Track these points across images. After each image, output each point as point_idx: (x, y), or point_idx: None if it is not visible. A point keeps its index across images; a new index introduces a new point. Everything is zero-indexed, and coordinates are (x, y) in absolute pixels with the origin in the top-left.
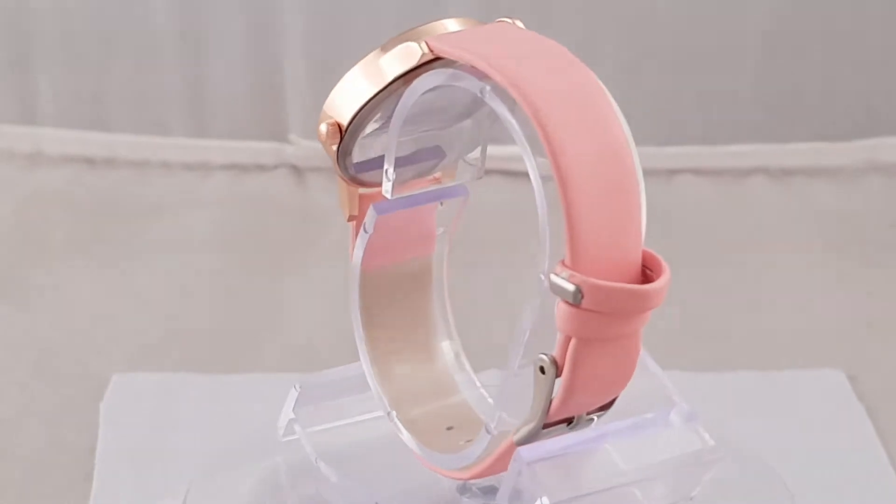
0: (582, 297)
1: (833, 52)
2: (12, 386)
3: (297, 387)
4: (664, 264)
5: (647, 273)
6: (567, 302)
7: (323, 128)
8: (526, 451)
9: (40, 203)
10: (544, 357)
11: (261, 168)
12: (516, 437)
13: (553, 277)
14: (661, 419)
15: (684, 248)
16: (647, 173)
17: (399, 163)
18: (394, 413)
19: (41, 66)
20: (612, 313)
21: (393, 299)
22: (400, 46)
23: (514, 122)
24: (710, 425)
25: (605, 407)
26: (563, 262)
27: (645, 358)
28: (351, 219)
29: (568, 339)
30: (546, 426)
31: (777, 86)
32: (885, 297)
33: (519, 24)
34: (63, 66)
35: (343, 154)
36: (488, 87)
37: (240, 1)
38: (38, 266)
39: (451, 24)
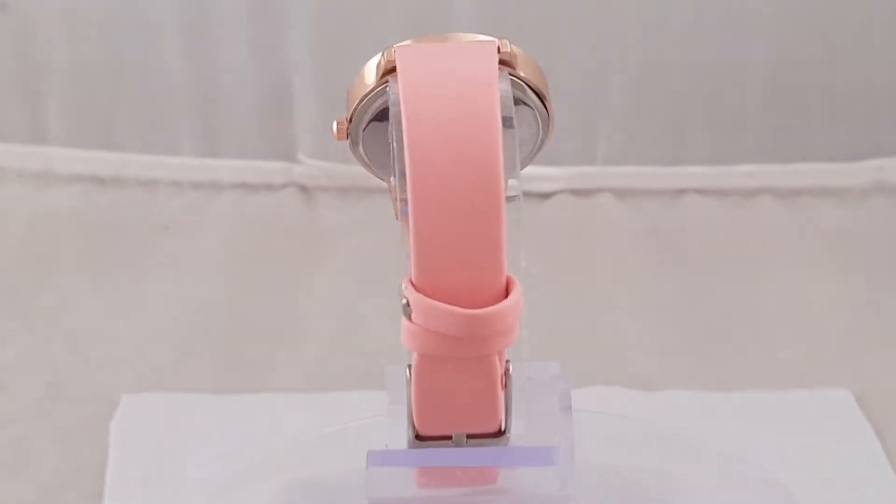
0: (411, 311)
1: (839, 72)
2: (23, 406)
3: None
4: (513, 293)
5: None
6: (405, 315)
7: (334, 126)
8: (372, 455)
9: (50, 222)
10: (407, 368)
11: (269, 187)
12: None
13: (400, 290)
14: (529, 456)
15: (690, 267)
16: (654, 193)
17: None
18: None
19: (51, 86)
20: (443, 333)
21: None
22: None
23: (394, 136)
24: (719, 444)
25: (497, 434)
26: (409, 278)
27: (549, 390)
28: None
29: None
30: (423, 438)
31: (783, 106)
32: (892, 317)
33: (506, 43)
34: (73, 86)
35: (354, 147)
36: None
37: (248, 21)
38: (47, 285)
39: (482, 38)
